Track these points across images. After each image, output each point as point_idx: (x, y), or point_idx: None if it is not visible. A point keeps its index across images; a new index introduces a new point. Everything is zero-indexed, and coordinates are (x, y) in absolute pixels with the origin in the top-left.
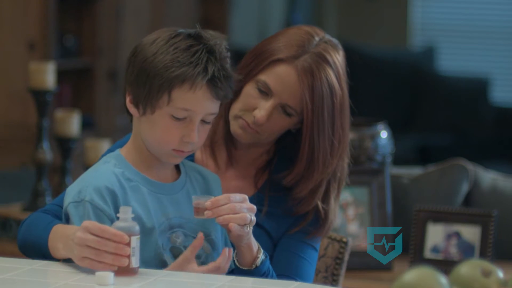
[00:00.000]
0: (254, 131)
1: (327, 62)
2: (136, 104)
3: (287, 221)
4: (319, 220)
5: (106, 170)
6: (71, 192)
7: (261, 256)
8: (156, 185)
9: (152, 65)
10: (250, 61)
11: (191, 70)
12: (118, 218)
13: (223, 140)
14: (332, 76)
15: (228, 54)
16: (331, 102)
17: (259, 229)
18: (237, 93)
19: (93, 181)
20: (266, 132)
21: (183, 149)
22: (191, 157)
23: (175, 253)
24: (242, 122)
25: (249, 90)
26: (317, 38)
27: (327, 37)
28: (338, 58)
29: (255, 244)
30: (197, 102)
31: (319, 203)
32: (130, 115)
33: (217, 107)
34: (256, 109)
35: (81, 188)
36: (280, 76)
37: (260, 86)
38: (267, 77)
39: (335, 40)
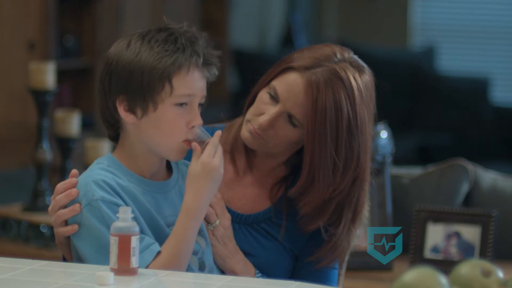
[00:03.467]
0: (259, 136)
1: (341, 80)
2: (132, 109)
3: (304, 235)
4: (330, 246)
5: (101, 168)
6: (77, 199)
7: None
8: (150, 184)
9: (141, 63)
10: (272, 68)
11: (183, 55)
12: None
13: (243, 146)
14: (341, 95)
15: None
16: (335, 121)
17: (276, 243)
18: (254, 98)
19: (92, 179)
20: (271, 141)
21: (190, 137)
22: None
23: None
24: (250, 126)
25: (262, 95)
26: (339, 56)
27: (354, 58)
28: (358, 80)
29: (245, 270)
30: (196, 85)
31: (328, 227)
32: (113, 131)
33: (205, 87)
34: (263, 114)
35: (85, 191)
36: (288, 83)
37: (271, 92)
38: (278, 83)
39: (363, 64)
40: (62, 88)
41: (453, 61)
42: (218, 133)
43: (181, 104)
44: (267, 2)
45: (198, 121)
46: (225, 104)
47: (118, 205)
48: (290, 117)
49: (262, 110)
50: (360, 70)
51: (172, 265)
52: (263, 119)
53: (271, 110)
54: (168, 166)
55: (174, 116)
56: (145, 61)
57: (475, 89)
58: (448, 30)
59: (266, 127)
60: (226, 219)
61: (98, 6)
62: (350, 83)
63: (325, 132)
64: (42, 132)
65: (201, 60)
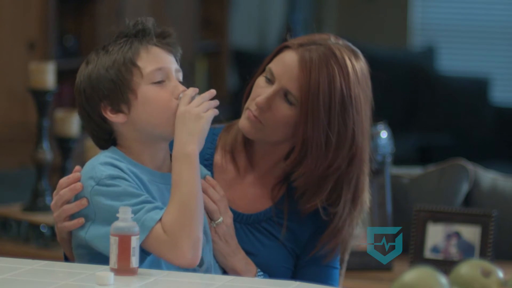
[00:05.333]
0: (257, 120)
1: (335, 56)
2: (118, 108)
3: (305, 235)
4: (333, 227)
5: (106, 156)
6: (83, 189)
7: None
8: (155, 174)
9: (104, 64)
10: (268, 56)
11: (136, 40)
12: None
13: (243, 145)
14: (335, 70)
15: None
16: (328, 94)
17: (277, 242)
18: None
19: (98, 162)
20: (269, 123)
21: None
22: (210, 162)
23: None
24: (248, 112)
25: (259, 80)
26: (333, 40)
27: (348, 44)
28: (354, 62)
29: (246, 269)
30: (162, 58)
31: (328, 207)
32: (110, 142)
33: (176, 62)
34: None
35: (91, 174)
36: (283, 60)
37: (267, 75)
38: (273, 64)
39: (357, 50)
40: (62, 88)
41: (453, 61)
42: (195, 88)
43: (158, 82)
44: (267, 2)
45: (181, 87)
46: (225, 104)
47: (128, 181)
48: (286, 95)
49: (259, 94)
50: (355, 55)
51: (184, 215)
52: (260, 98)
53: (268, 90)
54: None
55: (156, 92)
56: (106, 61)
57: (475, 89)
58: (448, 30)
59: (263, 106)
60: (229, 217)
61: (98, 6)
62: (345, 61)
63: (318, 104)
64: (42, 132)
65: (154, 36)
